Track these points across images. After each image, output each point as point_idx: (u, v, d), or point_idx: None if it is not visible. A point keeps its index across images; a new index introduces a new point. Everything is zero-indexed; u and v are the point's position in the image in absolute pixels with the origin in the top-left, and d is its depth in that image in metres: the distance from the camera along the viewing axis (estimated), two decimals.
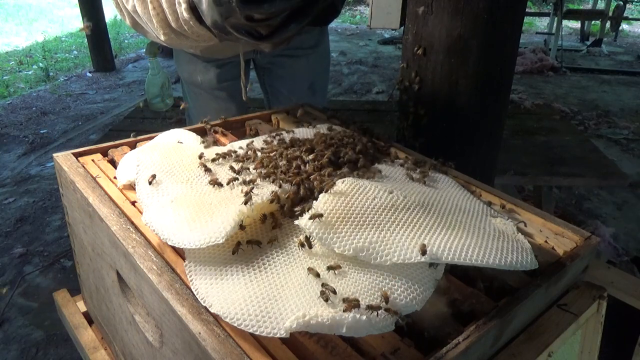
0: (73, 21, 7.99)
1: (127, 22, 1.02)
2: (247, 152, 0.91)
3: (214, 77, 1.52)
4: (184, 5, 0.83)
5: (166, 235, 0.67)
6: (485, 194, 0.88)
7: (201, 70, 1.52)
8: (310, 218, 0.65)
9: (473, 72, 1.22)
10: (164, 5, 0.88)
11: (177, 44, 0.97)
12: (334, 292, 0.58)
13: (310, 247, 0.66)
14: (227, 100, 1.57)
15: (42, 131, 4.11)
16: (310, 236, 0.66)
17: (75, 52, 6.57)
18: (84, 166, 0.92)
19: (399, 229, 0.67)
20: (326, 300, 0.57)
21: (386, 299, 0.57)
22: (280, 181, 0.79)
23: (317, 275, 0.61)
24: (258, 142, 0.97)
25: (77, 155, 0.96)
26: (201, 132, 1.08)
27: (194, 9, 0.83)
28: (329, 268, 0.62)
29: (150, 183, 0.80)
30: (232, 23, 0.77)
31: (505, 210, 0.84)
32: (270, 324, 0.55)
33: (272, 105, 1.64)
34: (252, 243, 0.67)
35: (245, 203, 0.71)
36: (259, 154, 0.91)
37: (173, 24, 0.90)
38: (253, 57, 1.56)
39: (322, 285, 0.59)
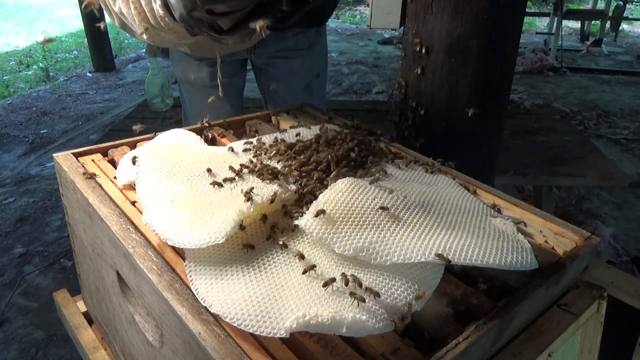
0: (73, 21, 7.98)
1: (116, 23, 1.07)
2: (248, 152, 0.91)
3: (207, 75, 1.53)
4: (158, 2, 0.89)
5: (166, 236, 0.67)
6: (485, 194, 0.88)
7: (194, 69, 1.53)
8: (316, 215, 0.65)
9: (473, 72, 1.22)
10: (143, 4, 0.93)
11: (160, 41, 1.03)
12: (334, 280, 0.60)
13: (303, 257, 0.65)
14: (221, 98, 1.57)
15: (42, 131, 4.11)
16: (310, 236, 0.66)
17: (75, 52, 6.57)
18: (84, 166, 0.92)
19: (399, 229, 0.67)
20: (325, 286, 0.59)
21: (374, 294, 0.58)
22: (282, 181, 0.79)
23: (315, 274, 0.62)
24: (258, 143, 0.97)
25: (77, 155, 0.96)
26: (201, 132, 1.08)
27: (167, 6, 0.88)
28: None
29: (133, 163, 0.84)
30: (196, 16, 0.81)
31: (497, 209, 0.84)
32: (270, 324, 0.55)
33: (269, 105, 1.64)
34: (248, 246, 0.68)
35: (248, 200, 0.71)
36: (260, 154, 0.91)
37: (152, 21, 0.95)
38: (249, 57, 1.56)
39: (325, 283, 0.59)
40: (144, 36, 1.00)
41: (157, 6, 0.90)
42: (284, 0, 0.81)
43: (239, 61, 1.57)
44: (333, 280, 0.60)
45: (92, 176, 0.88)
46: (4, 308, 2.17)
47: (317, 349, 0.56)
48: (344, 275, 0.60)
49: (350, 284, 0.59)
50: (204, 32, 0.86)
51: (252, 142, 0.96)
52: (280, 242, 0.68)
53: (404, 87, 1.35)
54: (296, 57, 1.52)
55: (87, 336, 1.01)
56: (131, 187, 0.85)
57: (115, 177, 0.88)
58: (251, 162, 0.88)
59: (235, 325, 0.56)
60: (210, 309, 0.58)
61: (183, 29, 0.91)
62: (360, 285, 0.59)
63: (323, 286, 0.59)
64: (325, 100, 1.77)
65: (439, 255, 0.62)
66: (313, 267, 0.61)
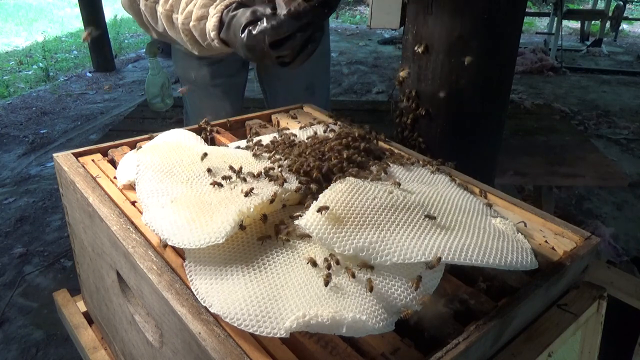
0: (73, 21, 7.98)
1: (154, 35, 1.17)
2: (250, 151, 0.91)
3: (207, 74, 1.53)
4: (216, 41, 0.98)
5: (166, 236, 0.67)
6: (485, 193, 0.88)
7: (195, 67, 1.53)
8: (318, 211, 0.65)
9: (473, 72, 1.21)
10: (196, 35, 1.02)
11: (208, 54, 1.11)
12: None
13: (315, 265, 0.64)
14: (221, 97, 1.57)
15: (42, 131, 4.11)
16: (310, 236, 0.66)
17: (75, 52, 6.57)
18: (84, 166, 0.92)
19: (399, 229, 0.67)
20: (326, 284, 0.60)
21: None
22: (282, 181, 0.79)
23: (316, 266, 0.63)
24: (258, 143, 0.97)
25: (77, 155, 0.96)
26: (201, 132, 1.08)
27: (224, 41, 0.97)
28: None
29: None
30: (264, 60, 0.95)
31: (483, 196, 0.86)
32: (270, 324, 0.55)
33: (270, 105, 1.64)
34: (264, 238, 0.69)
35: (246, 195, 0.72)
36: (260, 154, 0.91)
37: (204, 45, 1.04)
38: None
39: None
40: (195, 52, 1.08)
41: (215, 43, 0.98)
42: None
43: (241, 60, 1.57)
44: (314, 262, 0.62)
45: (94, 179, 0.88)
46: (4, 308, 2.17)
47: (317, 349, 0.56)
48: (326, 260, 0.63)
49: (332, 265, 0.62)
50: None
51: (252, 142, 0.96)
52: (283, 237, 0.68)
53: (403, 87, 1.34)
54: None
55: (87, 336, 1.01)
56: (131, 187, 0.85)
57: (115, 177, 0.88)
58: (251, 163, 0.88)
59: (235, 325, 0.56)
60: (210, 309, 0.58)
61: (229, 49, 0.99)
62: (332, 266, 0.62)
63: (325, 285, 0.59)
64: (328, 100, 1.77)
65: (435, 261, 0.63)
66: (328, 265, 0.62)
